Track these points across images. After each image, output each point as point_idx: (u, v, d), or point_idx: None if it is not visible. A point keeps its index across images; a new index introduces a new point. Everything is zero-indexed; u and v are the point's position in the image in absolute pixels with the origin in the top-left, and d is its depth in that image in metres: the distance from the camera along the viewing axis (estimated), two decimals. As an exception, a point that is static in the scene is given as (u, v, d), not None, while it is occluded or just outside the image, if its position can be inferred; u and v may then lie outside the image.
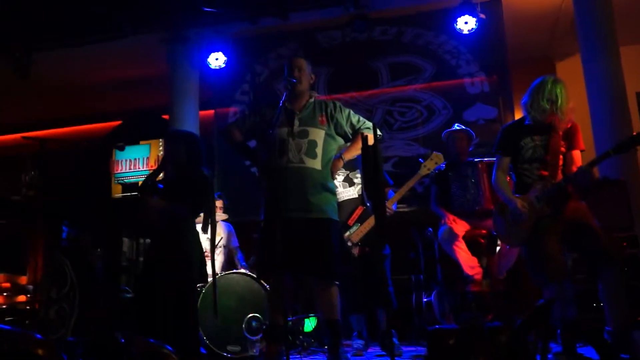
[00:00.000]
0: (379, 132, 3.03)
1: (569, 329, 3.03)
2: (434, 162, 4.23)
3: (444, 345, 2.45)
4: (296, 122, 3.37)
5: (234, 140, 3.55)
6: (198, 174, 3.72)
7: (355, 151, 3.42)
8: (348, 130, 3.45)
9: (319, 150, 3.34)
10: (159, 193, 3.71)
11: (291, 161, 3.28)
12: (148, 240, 5.59)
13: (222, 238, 5.09)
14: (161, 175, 3.99)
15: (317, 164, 3.32)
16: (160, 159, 3.97)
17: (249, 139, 3.59)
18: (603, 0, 5.39)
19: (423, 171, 4.23)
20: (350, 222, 4.15)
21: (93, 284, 4.73)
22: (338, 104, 3.51)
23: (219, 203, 5.19)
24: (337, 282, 3.28)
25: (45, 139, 4.63)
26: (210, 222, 3.77)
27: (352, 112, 3.49)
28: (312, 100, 3.48)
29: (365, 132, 3.34)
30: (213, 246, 4.46)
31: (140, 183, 4.00)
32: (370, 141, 2.75)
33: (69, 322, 4.41)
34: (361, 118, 3.50)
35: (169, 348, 1.94)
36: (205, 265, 3.66)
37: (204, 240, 4.93)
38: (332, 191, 3.42)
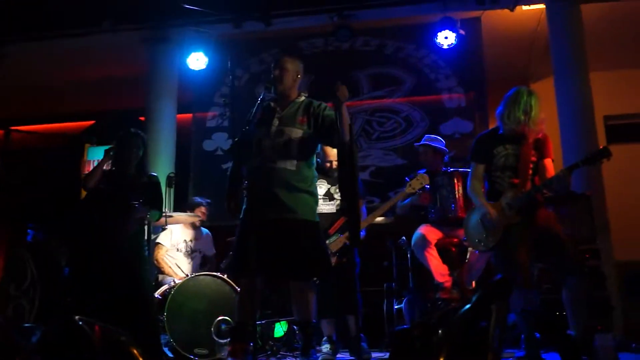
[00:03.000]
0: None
1: (532, 318, 3.09)
2: (419, 182, 4.27)
3: (406, 342, 2.44)
4: (275, 122, 3.34)
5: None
6: (153, 179, 3.84)
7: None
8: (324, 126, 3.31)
9: (293, 150, 3.30)
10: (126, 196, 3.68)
11: (264, 161, 3.26)
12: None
13: (193, 241, 5.05)
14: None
15: (290, 164, 3.28)
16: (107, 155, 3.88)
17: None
18: (576, 27, 5.66)
19: (408, 190, 4.27)
20: (331, 231, 4.15)
21: (56, 278, 4.60)
22: (327, 106, 3.38)
23: (202, 209, 5.16)
24: (315, 282, 3.26)
25: (12, 130, 4.54)
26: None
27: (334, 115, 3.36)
28: (300, 99, 3.42)
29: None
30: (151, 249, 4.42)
31: (83, 179, 3.96)
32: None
33: (27, 319, 4.25)
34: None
35: (130, 337, 1.89)
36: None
37: (167, 241, 4.92)
38: (309, 191, 3.34)
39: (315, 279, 3.30)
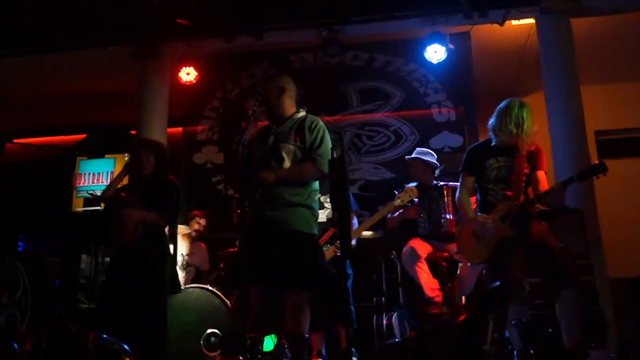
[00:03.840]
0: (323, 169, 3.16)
1: (526, 330, 3.07)
2: (407, 195, 4.30)
3: (399, 355, 2.42)
4: (271, 138, 3.36)
5: None
6: (170, 183, 3.74)
7: (295, 176, 3.29)
8: (305, 147, 3.31)
9: (285, 166, 3.30)
10: (127, 202, 3.68)
11: (257, 172, 3.27)
12: (107, 259, 5.49)
13: (189, 255, 5.04)
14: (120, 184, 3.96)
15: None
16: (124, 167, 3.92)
17: None
18: (566, 41, 5.68)
19: (397, 202, 4.30)
20: (321, 241, 4.14)
21: (48, 288, 4.60)
22: (319, 126, 3.34)
23: (202, 221, 5.15)
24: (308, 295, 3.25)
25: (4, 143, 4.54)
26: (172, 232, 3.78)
27: (323, 138, 3.32)
28: (298, 115, 3.41)
29: (313, 161, 3.26)
30: (175, 256, 4.38)
31: (101, 192, 3.97)
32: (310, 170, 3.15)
33: (19, 328, 4.25)
34: (322, 148, 3.29)
35: (124, 346, 1.88)
36: (177, 276, 3.63)
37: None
38: (305, 205, 3.30)
39: (309, 289, 3.27)
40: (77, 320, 4.41)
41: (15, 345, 1.40)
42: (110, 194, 3.83)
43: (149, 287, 3.58)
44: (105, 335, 1.82)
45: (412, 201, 4.36)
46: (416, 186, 4.49)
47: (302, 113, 3.43)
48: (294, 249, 3.20)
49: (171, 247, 4.01)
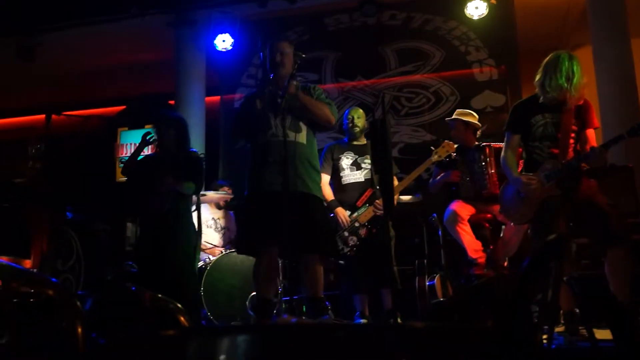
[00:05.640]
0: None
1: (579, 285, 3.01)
2: (445, 150, 4.27)
3: (446, 314, 2.40)
4: (280, 100, 3.33)
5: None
6: (192, 155, 3.91)
7: (314, 105, 3.37)
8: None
9: (302, 125, 3.36)
10: (158, 171, 3.78)
11: (275, 135, 3.28)
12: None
13: (221, 218, 5.16)
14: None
15: (302, 137, 3.34)
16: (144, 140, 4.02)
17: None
18: (616, -9, 5.39)
19: (434, 158, 4.27)
20: (359, 203, 4.17)
21: (99, 254, 4.80)
22: (320, 89, 3.53)
23: (226, 189, 5.23)
24: (331, 259, 3.31)
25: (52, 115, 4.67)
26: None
27: (323, 91, 3.53)
28: (295, 83, 3.39)
29: (328, 105, 3.41)
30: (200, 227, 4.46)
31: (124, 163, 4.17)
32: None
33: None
34: (327, 97, 3.55)
35: (178, 305, 1.95)
36: (200, 245, 3.79)
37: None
38: (317, 169, 3.43)
39: (329, 255, 3.38)
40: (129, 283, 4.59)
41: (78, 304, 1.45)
42: (131, 165, 4.01)
43: (178, 252, 3.74)
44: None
45: (449, 156, 4.32)
46: (457, 148, 4.43)
47: (297, 82, 3.45)
48: (316, 214, 3.28)
49: (194, 215, 4.15)
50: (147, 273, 3.76)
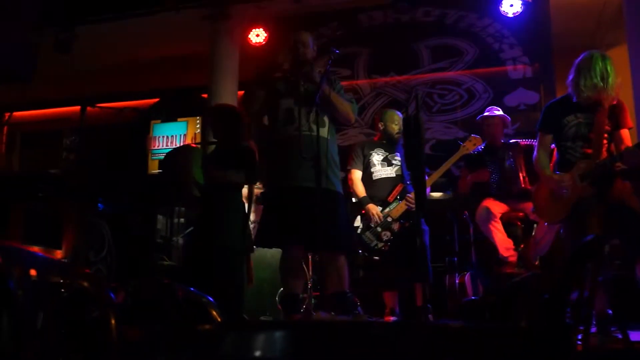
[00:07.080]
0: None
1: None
2: (472, 144, 4.31)
3: (477, 312, 2.42)
4: (303, 91, 3.36)
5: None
6: (244, 146, 3.82)
7: (341, 103, 3.41)
8: None
9: (326, 118, 3.38)
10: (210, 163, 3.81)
11: (301, 129, 3.24)
12: (182, 220, 5.71)
13: (253, 213, 5.19)
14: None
15: (325, 132, 3.35)
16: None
17: (264, 114, 3.63)
18: (652, -10, 5.29)
19: (462, 151, 4.30)
20: (390, 198, 4.20)
21: (131, 245, 4.86)
22: (337, 78, 3.57)
23: (260, 184, 5.26)
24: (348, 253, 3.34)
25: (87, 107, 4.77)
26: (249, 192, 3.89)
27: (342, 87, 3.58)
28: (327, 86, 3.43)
29: (350, 103, 3.50)
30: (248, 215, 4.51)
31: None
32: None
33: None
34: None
35: (210, 299, 1.98)
36: (250, 235, 3.71)
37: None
38: (338, 164, 3.46)
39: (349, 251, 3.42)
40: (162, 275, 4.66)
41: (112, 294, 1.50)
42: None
43: (226, 244, 3.67)
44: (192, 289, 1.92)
45: (477, 150, 4.37)
46: (485, 146, 4.44)
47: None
48: (340, 211, 3.30)
49: (246, 206, 4.14)
50: (194, 263, 3.72)
